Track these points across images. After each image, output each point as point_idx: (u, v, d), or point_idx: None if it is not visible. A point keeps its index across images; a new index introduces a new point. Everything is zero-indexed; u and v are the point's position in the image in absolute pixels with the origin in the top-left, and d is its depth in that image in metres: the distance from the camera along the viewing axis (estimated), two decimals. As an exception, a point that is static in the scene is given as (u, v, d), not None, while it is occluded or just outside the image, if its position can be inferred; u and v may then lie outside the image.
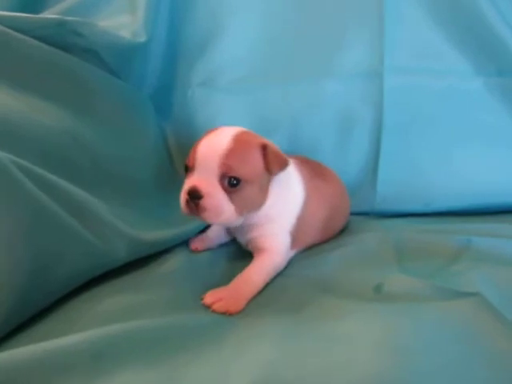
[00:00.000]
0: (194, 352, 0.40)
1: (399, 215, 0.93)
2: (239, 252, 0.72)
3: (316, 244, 0.76)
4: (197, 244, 0.73)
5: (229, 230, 0.75)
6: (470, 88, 0.93)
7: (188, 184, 0.58)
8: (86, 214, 0.52)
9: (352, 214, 0.88)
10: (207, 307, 0.52)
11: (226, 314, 0.50)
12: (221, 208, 0.58)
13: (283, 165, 0.63)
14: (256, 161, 0.61)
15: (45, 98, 0.66)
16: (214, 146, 0.59)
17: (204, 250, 0.73)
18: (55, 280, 0.47)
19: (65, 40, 0.76)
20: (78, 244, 0.49)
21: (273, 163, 0.61)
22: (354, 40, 0.97)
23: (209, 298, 0.53)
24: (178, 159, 1.04)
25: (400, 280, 0.56)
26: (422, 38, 0.95)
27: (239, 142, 0.59)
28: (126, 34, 0.88)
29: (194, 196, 0.57)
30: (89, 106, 0.75)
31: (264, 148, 0.61)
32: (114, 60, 0.86)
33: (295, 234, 0.68)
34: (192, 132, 1.04)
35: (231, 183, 0.58)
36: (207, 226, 0.78)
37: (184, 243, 0.74)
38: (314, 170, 0.77)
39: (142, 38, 0.90)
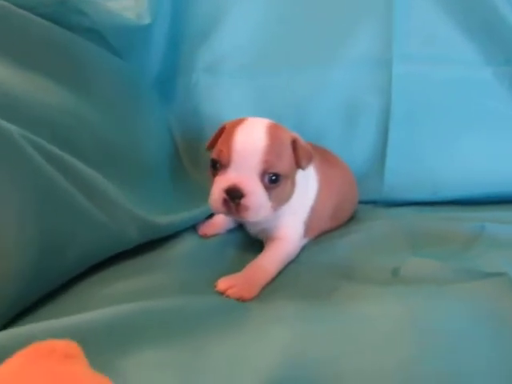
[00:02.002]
0: (213, 333, 0.39)
1: (406, 204, 0.92)
2: (248, 238, 0.71)
3: (325, 232, 0.75)
4: (205, 229, 0.71)
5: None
6: (479, 77, 0.92)
7: (225, 182, 0.55)
8: (96, 193, 0.50)
9: (359, 202, 0.87)
10: (220, 293, 0.50)
11: (240, 300, 0.49)
12: (262, 206, 0.55)
13: (310, 158, 0.62)
14: (289, 155, 0.59)
15: (47, 77, 0.63)
16: (252, 142, 0.56)
17: (212, 236, 0.71)
18: (67, 260, 0.45)
19: (67, 19, 0.74)
20: (89, 223, 0.47)
21: (302, 157, 0.60)
22: (362, 27, 0.96)
23: (222, 284, 0.52)
24: (181, 144, 1.02)
25: (417, 263, 0.54)
26: (431, 25, 0.93)
27: (274, 137, 0.57)
28: (129, 15, 0.86)
29: (236, 195, 0.54)
30: (92, 87, 0.72)
31: (294, 142, 0.60)
32: (117, 41, 0.83)
33: (308, 223, 0.67)
34: (196, 118, 1.02)
35: (271, 180, 0.56)
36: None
37: (191, 229, 0.72)
38: (323, 157, 0.76)
39: (146, 21, 0.88)
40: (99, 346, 0.34)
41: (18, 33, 0.63)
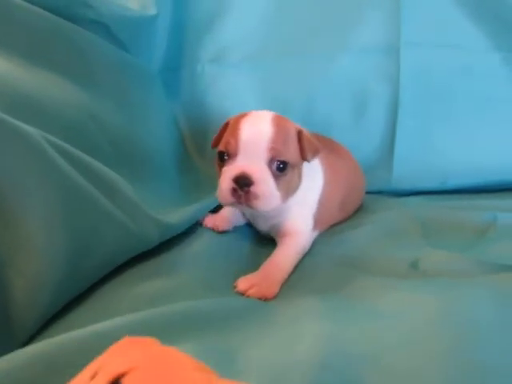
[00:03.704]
0: (246, 335, 0.39)
1: (415, 193, 0.93)
2: (258, 234, 0.71)
3: (335, 224, 0.75)
4: (217, 222, 0.70)
5: (246, 218, 0.72)
6: (488, 63, 0.91)
7: (233, 170, 0.54)
8: (117, 194, 0.50)
9: (368, 192, 0.88)
10: (241, 294, 0.50)
11: (262, 299, 0.50)
12: (272, 195, 0.55)
13: (316, 152, 0.62)
14: (295, 145, 0.60)
15: (58, 73, 0.62)
16: (258, 130, 0.56)
17: (222, 232, 0.69)
18: (92, 263, 0.45)
19: (73, 11, 0.72)
20: (112, 225, 0.47)
21: (308, 149, 0.60)
22: (369, 14, 0.94)
23: (242, 284, 0.52)
24: (187, 135, 1.01)
25: (435, 255, 0.55)
26: (440, 12, 0.92)
27: (280, 126, 0.58)
28: (134, 6, 0.84)
29: (244, 183, 0.53)
30: (101, 83, 0.71)
31: (299, 133, 0.60)
32: (122, 33, 0.82)
33: (317, 216, 0.68)
34: (202, 109, 1.01)
35: (279, 168, 0.56)
36: (219, 206, 0.75)
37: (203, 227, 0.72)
38: (328, 148, 0.76)
39: (152, 11, 0.86)
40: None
41: (29, 30, 0.62)
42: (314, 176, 0.68)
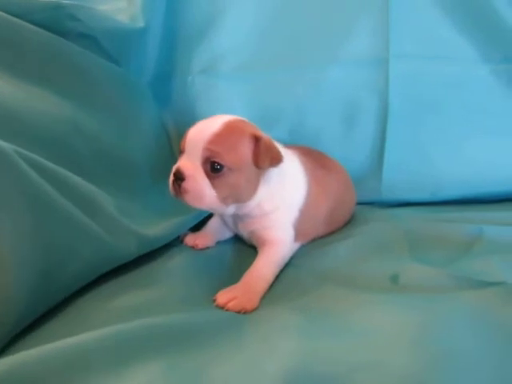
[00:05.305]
0: (218, 349, 0.39)
1: (405, 204, 0.92)
2: (243, 245, 0.71)
3: (322, 236, 0.74)
4: (195, 240, 0.70)
5: (229, 224, 0.72)
6: (477, 75, 0.91)
7: (175, 166, 0.59)
8: (94, 207, 0.50)
9: (357, 203, 0.87)
10: (221, 307, 0.50)
11: (242, 312, 0.49)
12: (201, 192, 0.57)
13: (275, 161, 0.61)
14: (244, 150, 0.59)
15: (44, 86, 0.63)
16: (202, 130, 0.59)
17: (204, 248, 0.70)
18: (67, 276, 0.45)
19: (62, 25, 0.73)
20: (88, 238, 0.47)
21: (262, 157, 0.59)
22: (358, 26, 0.95)
23: (221, 298, 0.51)
24: (177, 148, 1.01)
25: (416, 270, 0.55)
26: (428, 24, 0.92)
27: (229, 129, 0.59)
28: (123, 18, 0.85)
29: (178, 177, 0.57)
30: (89, 95, 0.72)
31: (257, 140, 0.59)
32: (112, 46, 0.83)
33: (298, 227, 0.67)
34: (192, 121, 0.99)
35: (214, 168, 0.57)
36: (206, 219, 0.75)
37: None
38: (316, 161, 0.76)
39: (141, 23, 0.86)
40: (104, 365, 0.34)
41: (15, 43, 0.63)
42: (290, 187, 0.67)
